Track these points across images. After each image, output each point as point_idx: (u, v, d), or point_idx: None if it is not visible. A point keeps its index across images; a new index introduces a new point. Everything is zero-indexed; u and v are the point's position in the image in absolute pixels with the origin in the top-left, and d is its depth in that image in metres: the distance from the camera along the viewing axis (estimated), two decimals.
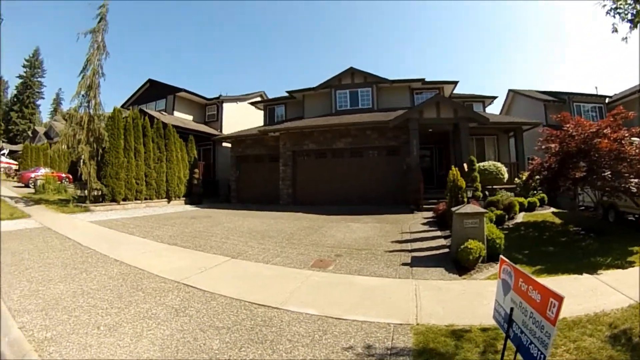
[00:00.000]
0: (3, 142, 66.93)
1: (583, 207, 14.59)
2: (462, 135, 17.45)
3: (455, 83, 23.21)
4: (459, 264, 7.60)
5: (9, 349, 3.90)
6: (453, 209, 8.82)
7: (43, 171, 24.74)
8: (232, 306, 5.26)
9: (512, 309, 3.09)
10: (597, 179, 10.06)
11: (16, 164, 35.29)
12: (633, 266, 7.06)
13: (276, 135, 21.90)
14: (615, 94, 26.67)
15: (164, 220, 13.84)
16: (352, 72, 23.56)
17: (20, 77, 75.24)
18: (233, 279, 6.65)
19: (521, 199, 14.47)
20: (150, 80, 30.28)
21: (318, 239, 10.50)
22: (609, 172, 9.82)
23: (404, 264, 7.77)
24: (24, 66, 75.55)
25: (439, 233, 10.98)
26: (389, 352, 3.93)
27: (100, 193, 16.46)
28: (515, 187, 15.71)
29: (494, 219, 11.79)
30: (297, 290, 6.03)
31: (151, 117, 20.95)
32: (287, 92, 25.29)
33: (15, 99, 74.71)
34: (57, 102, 74.95)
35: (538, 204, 15.44)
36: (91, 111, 16.51)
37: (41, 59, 76.12)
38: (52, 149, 23.54)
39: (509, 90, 31.58)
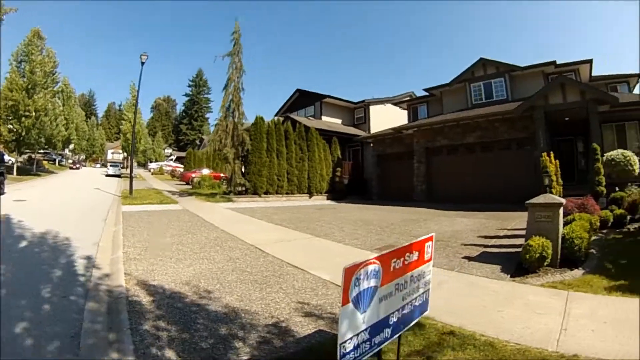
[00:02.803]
0: (173, 149, 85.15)
1: None
2: (592, 121, 15.97)
3: (589, 62, 21.24)
4: (521, 264, 7.05)
5: (110, 263, 6.29)
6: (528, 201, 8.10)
7: (205, 172, 30.56)
8: (270, 262, 7.01)
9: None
10: None
11: (182, 167, 44.65)
12: None
13: (411, 133, 23.00)
14: None
15: (292, 209, 16.47)
16: (483, 62, 23.42)
17: (186, 95, 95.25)
18: (296, 249, 8.37)
19: None
20: (298, 90, 34.27)
21: (410, 229, 11.42)
22: None
23: (466, 257, 7.87)
24: (189, 85, 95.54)
25: None
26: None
27: (244, 188, 20.10)
28: None
29: (612, 220, 10.94)
30: (336, 263, 6.65)
31: (294, 122, 24.39)
32: (425, 89, 26.40)
33: (184, 114, 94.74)
34: (226, 114, 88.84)
35: None
36: (235, 120, 20.55)
37: (205, 78, 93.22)
38: (201, 151, 28.83)
39: None
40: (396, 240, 9.41)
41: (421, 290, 3.64)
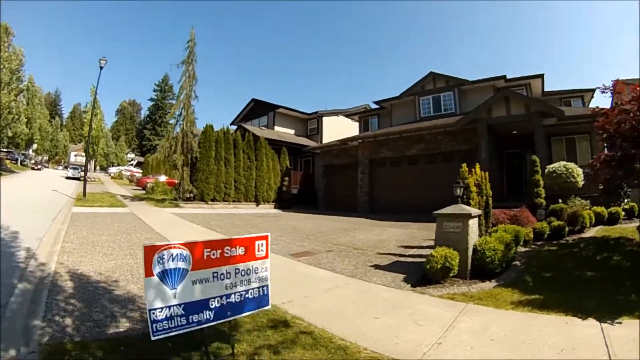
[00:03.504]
0: (136, 154, 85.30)
1: None
2: (537, 133, 16.26)
3: (541, 76, 21.89)
4: (426, 274, 7.06)
5: (47, 254, 7.53)
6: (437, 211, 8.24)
7: (162, 178, 31.27)
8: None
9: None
10: None
11: (140, 172, 45.54)
12: None
13: (356, 145, 24.09)
14: None
15: (233, 216, 17.64)
16: (433, 76, 24.18)
17: (151, 99, 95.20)
18: None
19: (600, 209, 12.99)
20: (254, 100, 35.68)
21: (336, 237, 12.28)
22: None
23: (375, 265, 8.30)
24: (154, 90, 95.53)
25: None
26: None
27: (192, 194, 21.12)
28: (599, 194, 13.77)
29: (548, 232, 11.19)
30: None
31: (246, 131, 25.65)
32: (375, 102, 27.73)
33: (148, 119, 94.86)
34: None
35: (622, 215, 13.50)
36: (186, 127, 21.54)
37: (171, 83, 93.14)
38: (151, 158, 29.79)
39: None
40: (314, 248, 10.34)
41: (254, 285, 4.16)
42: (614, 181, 9.92)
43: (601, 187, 13.11)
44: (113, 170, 59.06)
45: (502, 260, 7.55)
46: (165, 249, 3.40)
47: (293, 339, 4.43)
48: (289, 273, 7.67)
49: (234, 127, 32.42)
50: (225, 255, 3.86)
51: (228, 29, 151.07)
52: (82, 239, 9.38)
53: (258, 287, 4.21)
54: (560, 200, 13.58)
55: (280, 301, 5.66)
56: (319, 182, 28.18)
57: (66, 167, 50.67)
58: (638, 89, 8.37)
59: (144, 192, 28.73)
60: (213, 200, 21.31)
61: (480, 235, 8.71)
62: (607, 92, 9.37)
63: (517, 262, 8.55)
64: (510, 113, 17.21)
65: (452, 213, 7.74)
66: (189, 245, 3.60)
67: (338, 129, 31.09)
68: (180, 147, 21.05)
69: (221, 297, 3.81)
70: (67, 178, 38.96)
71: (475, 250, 7.46)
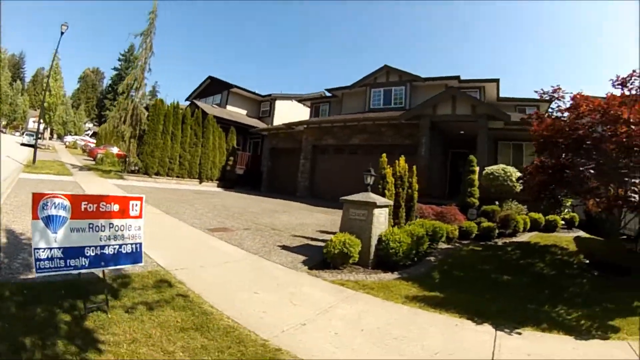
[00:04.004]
0: (94, 124, 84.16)
1: (625, 237, 11.54)
2: (480, 134, 16.61)
3: (496, 81, 21.89)
4: (326, 259, 7.21)
5: None
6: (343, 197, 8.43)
7: (115, 150, 31.60)
8: None
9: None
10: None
11: (94, 142, 45.79)
12: (610, 337, 4.97)
13: (302, 130, 24.54)
14: None
15: (171, 191, 18.37)
16: (387, 70, 24.63)
17: (115, 69, 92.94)
18: None
19: (537, 215, 13.12)
20: (210, 77, 35.91)
21: (261, 218, 12.76)
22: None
23: (282, 246, 8.67)
24: (119, 59, 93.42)
25: None
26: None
27: (137, 167, 21.78)
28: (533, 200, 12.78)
29: (476, 231, 11.38)
30: (164, 232, 8.66)
31: (196, 107, 26.51)
32: (326, 89, 28.52)
33: (110, 89, 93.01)
34: (153, 92, 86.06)
35: (561, 224, 13.53)
36: (137, 99, 22.13)
37: (137, 54, 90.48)
38: (101, 128, 30.14)
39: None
40: (234, 225, 10.78)
41: (128, 241, 4.64)
42: (546, 188, 9.86)
43: (533, 193, 12.58)
44: (69, 139, 58.08)
45: (409, 253, 7.70)
46: (50, 198, 3.97)
47: (168, 300, 4.84)
48: (198, 245, 8.17)
49: (189, 102, 32.69)
50: (101, 209, 4.37)
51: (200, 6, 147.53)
52: (20, 202, 9.97)
53: (132, 244, 4.69)
54: (497, 203, 13.66)
55: (174, 267, 6.15)
56: (264, 164, 28.73)
57: (24, 133, 49.97)
58: (580, 100, 8.63)
59: (93, 162, 29.03)
60: (157, 174, 21.95)
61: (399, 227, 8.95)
62: (546, 97, 9.58)
63: (432, 258, 8.76)
64: (455, 112, 17.58)
65: (358, 200, 7.87)
66: (70, 197, 4.14)
67: (290, 114, 31.61)
68: (130, 119, 21.53)
69: (96, 247, 4.32)
70: (22, 145, 38.67)
71: (380, 240, 7.63)
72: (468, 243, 10.90)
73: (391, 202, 9.12)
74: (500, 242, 11.29)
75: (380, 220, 8.04)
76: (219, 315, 4.59)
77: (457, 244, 10.62)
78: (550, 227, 13.14)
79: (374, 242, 7.54)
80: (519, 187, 12.43)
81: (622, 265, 8.01)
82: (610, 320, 5.46)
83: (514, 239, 11.67)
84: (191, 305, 4.80)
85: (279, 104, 33.97)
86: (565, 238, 11.78)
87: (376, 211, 7.78)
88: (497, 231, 11.71)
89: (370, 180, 8.89)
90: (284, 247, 8.48)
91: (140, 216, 4.84)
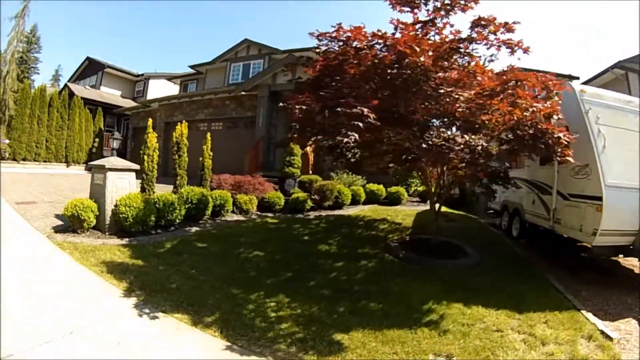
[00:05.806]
0: None
1: (492, 211, 11.81)
2: None
3: None
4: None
5: None
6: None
7: None
8: None
9: None
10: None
11: None
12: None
13: (157, 108, 24.50)
14: None
15: (27, 175, 18.85)
16: (248, 44, 24.60)
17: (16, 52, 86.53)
18: None
19: (376, 187, 12.49)
20: (88, 58, 35.46)
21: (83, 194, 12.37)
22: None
23: (58, 215, 8.60)
24: (20, 41, 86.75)
25: None
26: None
27: (6, 154, 22.57)
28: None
29: (282, 203, 10.97)
30: None
31: (69, 90, 26.91)
32: (190, 66, 28.08)
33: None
34: (56, 77, 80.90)
35: (405, 196, 12.74)
36: (6, 83, 22.53)
37: (39, 35, 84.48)
38: None
39: None
40: (44, 199, 10.94)
41: None
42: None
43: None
44: None
45: (144, 219, 7.68)
46: None
47: None
48: None
49: (44, 85, 29.76)
50: None
51: None
52: None
53: None
54: (332, 174, 12.94)
55: None
56: (129, 145, 28.30)
57: None
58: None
59: None
60: (24, 159, 22.61)
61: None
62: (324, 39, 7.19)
63: (196, 229, 8.54)
64: (295, 78, 14.73)
65: (97, 164, 7.79)
66: None
67: (164, 92, 30.31)
68: None
69: None
70: None
71: (116, 205, 7.56)
72: (272, 216, 10.31)
73: (137, 167, 8.81)
74: (313, 215, 10.49)
75: (120, 185, 7.88)
76: None
77: (255, 216, 10.10)
78: (394, 200, 12.41)
79: (109, 206, 7.51)
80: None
81: (436, 246, 7.69)
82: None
83: (336, 212, 10.87)
84: None
85: (152, 83, 34.25)
86: (408, 212, 10.97)
87: (112, 175, 7.70)
88: (310, 203, 10.96)
89: (116, 144, 9.56)
90: (59, 216, 8.34)
91: None
